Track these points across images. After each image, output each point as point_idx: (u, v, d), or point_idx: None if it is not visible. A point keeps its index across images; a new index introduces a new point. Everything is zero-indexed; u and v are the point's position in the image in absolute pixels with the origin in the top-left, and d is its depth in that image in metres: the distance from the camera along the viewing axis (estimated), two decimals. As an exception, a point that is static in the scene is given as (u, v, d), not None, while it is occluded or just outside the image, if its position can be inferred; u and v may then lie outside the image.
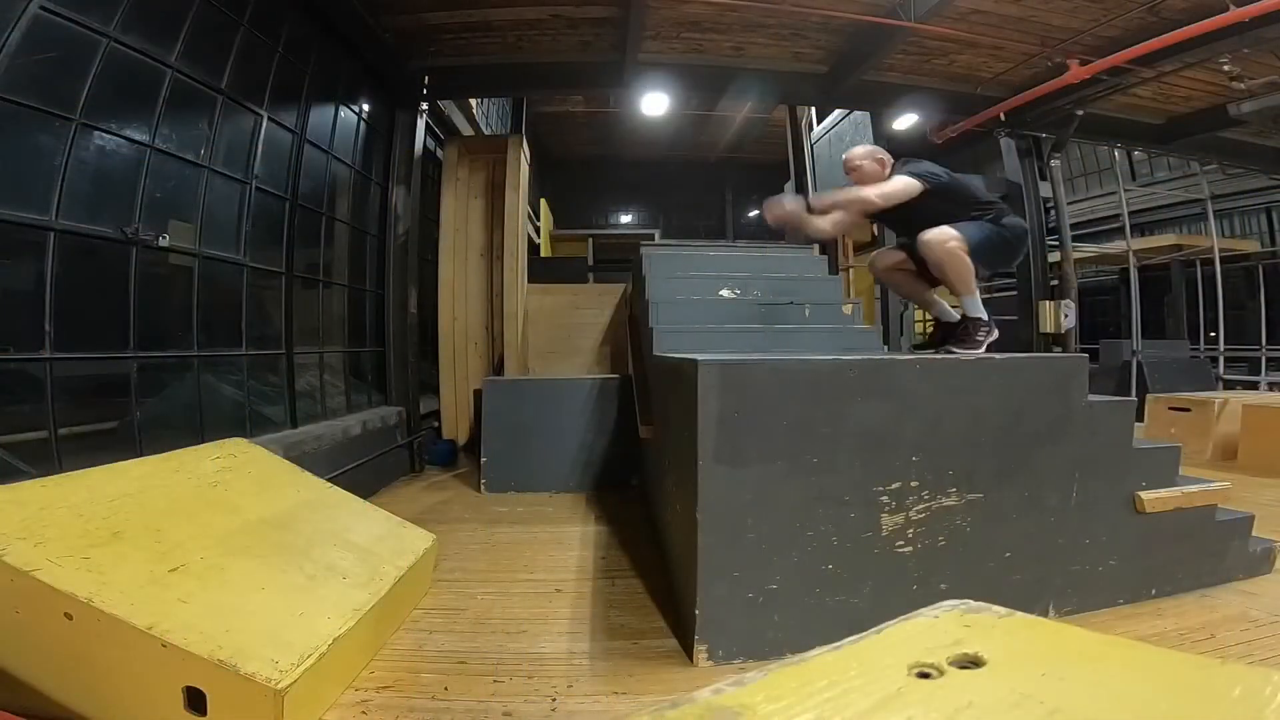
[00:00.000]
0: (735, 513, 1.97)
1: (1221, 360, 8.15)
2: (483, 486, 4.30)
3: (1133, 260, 7.91)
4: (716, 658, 1.97)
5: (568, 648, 2.06)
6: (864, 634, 0.84)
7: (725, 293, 4.33)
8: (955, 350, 2.74)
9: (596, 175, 13.63)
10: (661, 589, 2.52)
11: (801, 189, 8.27)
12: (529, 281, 6.12)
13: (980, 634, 0.84)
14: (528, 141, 6.29)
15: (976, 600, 0.95)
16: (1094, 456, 2.27)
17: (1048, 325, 6.09)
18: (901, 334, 7.70)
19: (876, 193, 2.78)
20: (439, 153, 6.28)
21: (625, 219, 14.50)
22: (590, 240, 10.23)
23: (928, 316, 9.65)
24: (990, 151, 7.22)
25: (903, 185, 2.78)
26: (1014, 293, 6.91)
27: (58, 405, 2.39)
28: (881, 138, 6.63)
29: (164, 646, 1.44)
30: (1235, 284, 8.96)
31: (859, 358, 2.14)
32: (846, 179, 3.05)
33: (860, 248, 9.21)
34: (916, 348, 3.14)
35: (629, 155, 12.86)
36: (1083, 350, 6.11)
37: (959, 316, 2.99)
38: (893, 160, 3.03)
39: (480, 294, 6.07)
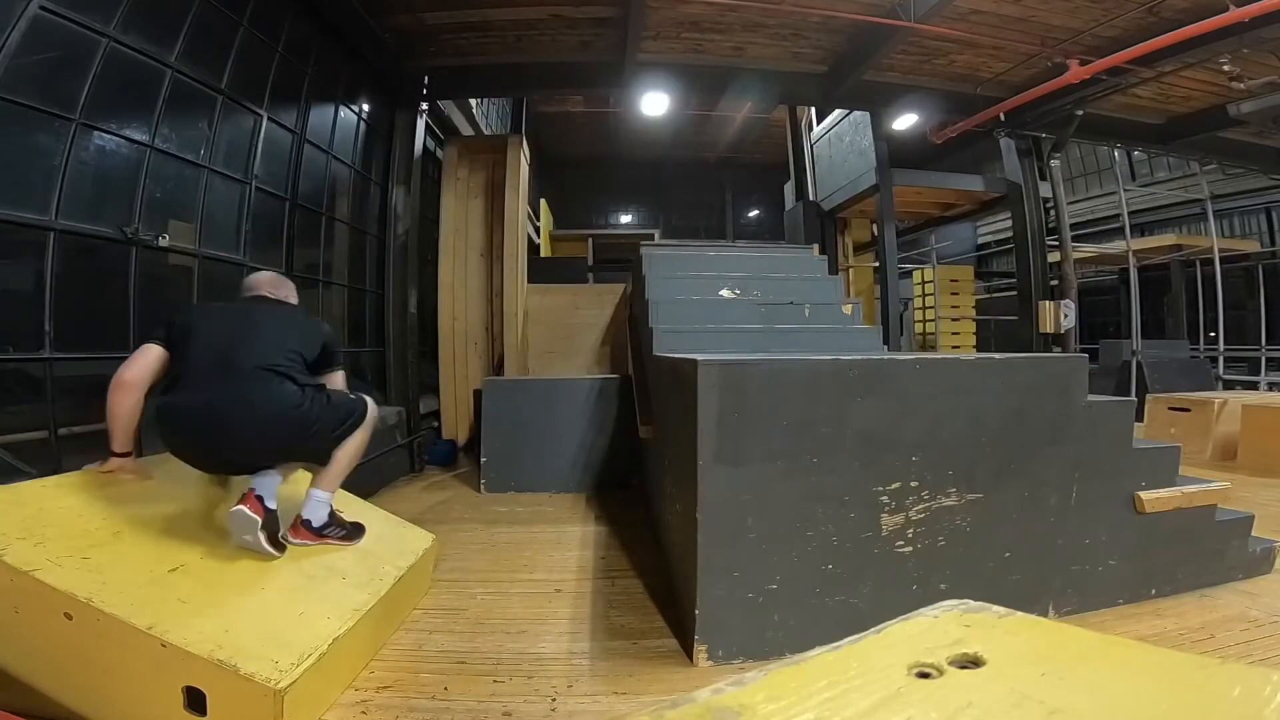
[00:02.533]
0: (735, 513, 1.97)
1: (1221, 360, 8.15)
2: (482, 486, 4.30)
3: (1133, 260, 7.91)
4: (716, 658, 1.97)
5: (568, 648, 2.06)
6: (864, 634, 0.84)
7: (725, 293, 4.33)
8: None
9: (596, 175, 13.63)
10: (661, 589, 2.52)
11: (801, 189, 8.29)
12: (529, 281, 6.12)
13: (980, 634, 0.84)
14: (528, 141, 6.30)
15: (976, 600, 0.95)
16: (1094, 456, 2.27)
17: (1047, 325, 6.10)
18: (901, 334, 7.70)
19: None
20: (439, 153, 6.28)
21: (625, 219, 14.50)
22: (590, 240, 10.23)
23: (927, 316, 9.64)
24: (990, 151, 7.22)
25: None
26: (1014, 293, 6.91)
27: (58, 405, 2.39)
28: (881, 138, 6.63)
29: (164, 646, 1.44)
30: (1235, 284, 8.96)
31: (859, 358, 2.14)
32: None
33: (860, 247, 9.23)
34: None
35: (629, 155, 12.86)
36: (1082, 350, 6.11)
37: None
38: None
39: (480, 294, 6.07)
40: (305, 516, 2.10)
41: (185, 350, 1.96)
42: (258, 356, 1.96)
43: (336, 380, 2.29)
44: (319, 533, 2.12)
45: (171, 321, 2.02)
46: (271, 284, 2.33)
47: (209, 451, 1.98)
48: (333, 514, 2.19)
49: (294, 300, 2.39)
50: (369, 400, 2.30)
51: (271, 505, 1.95)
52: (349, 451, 2.19)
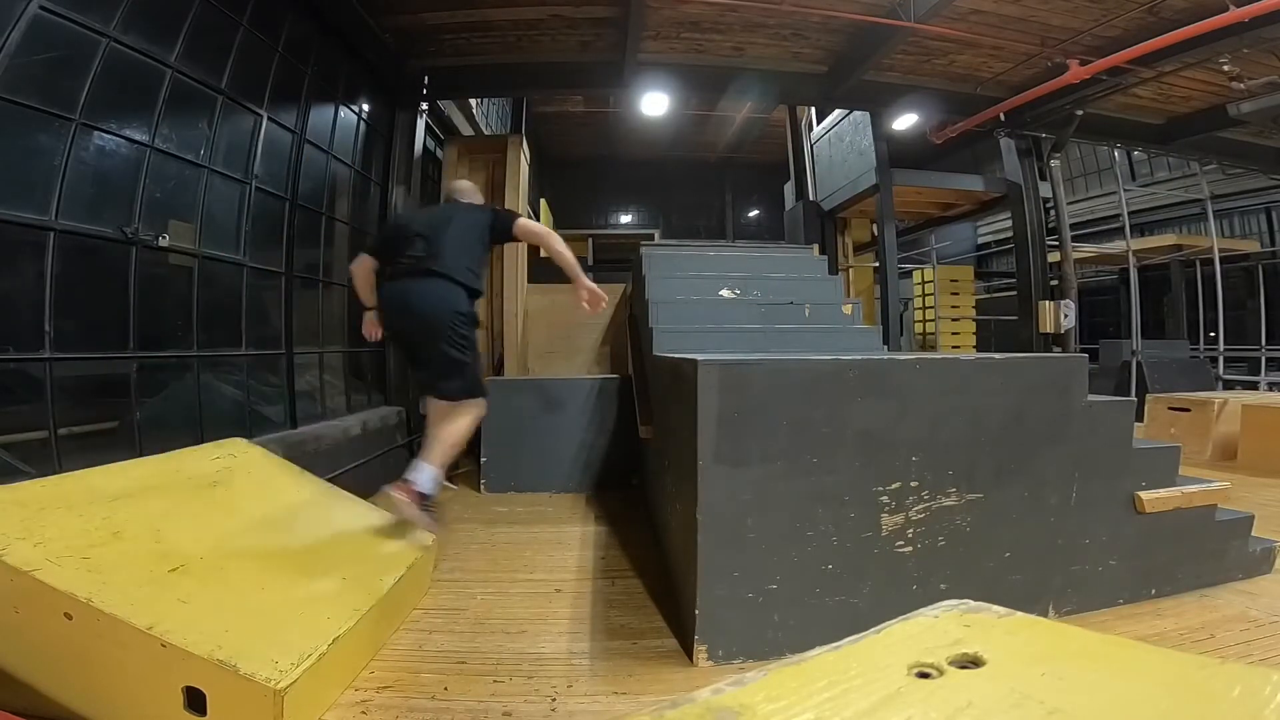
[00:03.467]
0: (735, 513, 1.97)
1: (1221, 360, 8.15)
2: (482, 486, 4.30)
3: (1133, 260, 7.91)
4: (716, 658, 1.97)
5: (568, 648, 2.06)
6: (864, 634, 0.84)
7: (725, 293, 4.33)
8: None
9: (596, 175, 13.63)
10: (661, 589, 2.52)
11: (801, 189, 8.29)
12: (529, 281, 6.12)
13: (980, 634, 0.84)
14: (528, 141, 6.29)
15: (976, 600, 0.95)
16: (1094, 456, 2.27)
17: (1047, 325, 6.10)
18: (901, 334, 7.70)
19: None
20: (439, 153, 6.28)
21: (625, 219, 14.49)
22: (590, 240, 10.22)
23: (927, 316, 9.67)
24: (990, 151, 7.22)
25: None
26: (1014, 293, 6.91)
27: (58, 405, 2.39)
28: (881, 138, 6.62)
29: (164, 646, 1.44)
30: (1235, 284, 8.96)
31: (859, 358, 2.14)
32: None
33: (860, 247, 9.23)
34: None
35: (629, 155, 12.86)
36: (1083, 350, 6.12)
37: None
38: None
39: (480, 294, 6.06)
40: (418, 487, 2.44)
41: (392, 254, 2.76)
42: (444, 261, 2.65)
43: (520, 228, 2.97)
44: (424, 503, 2.42)
45: (380, 236, 3.15)
46: (468, 191, 3.19)
47: (402, 326, 2.74)
48: (433, 496, 2.51)
49: (480, 201, 3.23)
50: (487, 398, 2.88)
51: (425, 490, 2.47)
52: (456, 431, 2.69)
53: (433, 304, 2.62)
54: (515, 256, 5.75)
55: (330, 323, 4.56)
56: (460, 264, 2.67)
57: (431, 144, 6.19)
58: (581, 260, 9.62)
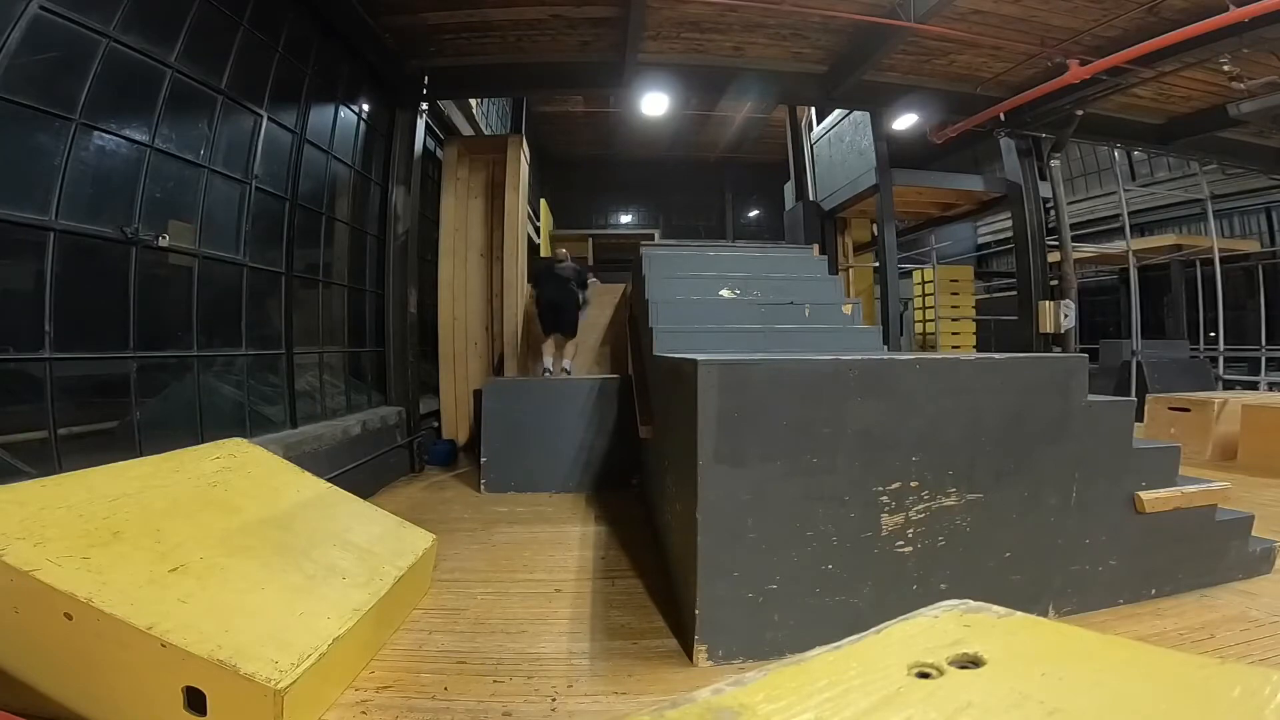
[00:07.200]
0: (735, 513, 1.97)
1: (1221, 360, 8.15)
2: (483, 486, 4.30)
3: (1133, 260, 7.91)
4: (716, 658, 1.97)
5: (567, 648, 2.06)
6: (864, 634, 0.84)
7: (725, 293, 4.33)
8: None
9: (596, 175, 13.63)
10: (661, 589, 2.52)
11: (801, 189, 8.28)
12: (529, 282, 6.12)
13: (980, 634, 0.84)
14: (528, 141, 6.30)
15: (976, 600, 0.95)
16: (1094, 456, 2.27)
17: (1047, 325, 6.10)
18: (901, 334, 7.70)
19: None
20: (439, 153, 6.28)
21: (625, 219, 14.49)
22: (590, 240, 10.22)
23: (927, 316, 9.66)
24: (990, 151, 7.22)
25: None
26: (1014, 293, 6.91)
27: (58, 405, 2.39)
28: (881, 138, 6.62)
29: (164, 646, 1.44)
30: (1235, 284, 8.95)
31: (859, 358, 2.14)
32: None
33: (860, 247, 9.22)
34: None
35: (629, 155, 12.85)
36: (1083, 350, 6.11)
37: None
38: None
39: (480, 294, 6.07)
40: (568, 369, 5.25)
41: (541, 284, 5.63)
42: (566, 286, 5.44)
43: (590, 290, 5.65)
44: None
45: (536, 277, 5.83)
46: (569, 258, 5.78)
47: (552, 318, 5.37)
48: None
49: (574, 265, 5.69)
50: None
51: (567, 367, 5.41)
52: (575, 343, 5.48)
53: (570, 304, 5.44)
54: (514, 257, 5.75)
55: (330, 323, 4.56)
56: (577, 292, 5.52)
57: (431, 144, 6.19)
58: (582, 259, 9.71)
